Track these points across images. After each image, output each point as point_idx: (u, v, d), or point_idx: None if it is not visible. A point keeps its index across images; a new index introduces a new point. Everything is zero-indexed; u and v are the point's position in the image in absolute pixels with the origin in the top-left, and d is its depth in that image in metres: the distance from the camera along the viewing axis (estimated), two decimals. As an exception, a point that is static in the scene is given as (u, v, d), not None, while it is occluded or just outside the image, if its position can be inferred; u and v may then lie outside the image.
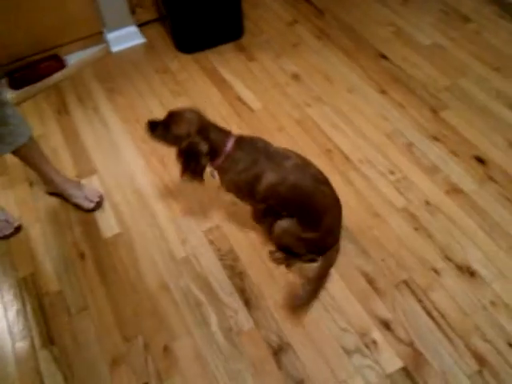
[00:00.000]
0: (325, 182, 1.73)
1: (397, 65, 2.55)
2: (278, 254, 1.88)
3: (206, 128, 1.66)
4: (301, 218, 1.71)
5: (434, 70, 2.51)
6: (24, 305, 1.85)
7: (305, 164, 1.71)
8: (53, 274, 1.92)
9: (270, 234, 1.87)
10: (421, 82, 2.45)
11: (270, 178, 1.65)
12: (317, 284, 1.76)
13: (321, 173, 1.73)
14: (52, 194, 2.16)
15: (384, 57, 2.61)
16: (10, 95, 2.63)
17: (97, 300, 1.83)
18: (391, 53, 2.62)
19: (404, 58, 2.59)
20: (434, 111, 2.32)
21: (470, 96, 2.36)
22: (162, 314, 1.77)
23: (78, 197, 2.10)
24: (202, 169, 1.70)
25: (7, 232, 2.05)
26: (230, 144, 1.67)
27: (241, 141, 1.69)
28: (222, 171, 1.73)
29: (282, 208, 1.73)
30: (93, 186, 2.19)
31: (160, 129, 1.68)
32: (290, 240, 1.78)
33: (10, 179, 2.25)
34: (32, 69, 2.69)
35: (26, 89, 2.65)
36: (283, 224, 1.75)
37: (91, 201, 2.11)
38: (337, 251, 1.83)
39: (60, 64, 2.73)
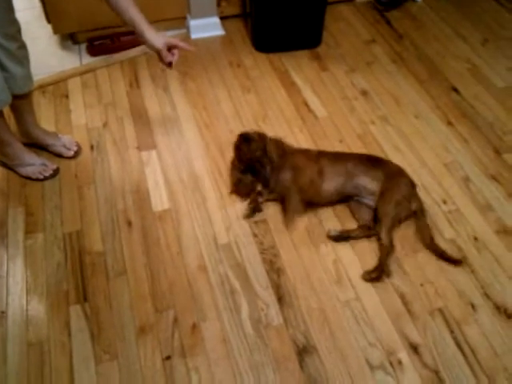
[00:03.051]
0: None
1: (467, 101, 2.55)
2: (373, 275, 1.86)
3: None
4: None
5: (503, 113, 2.49)
6: (65, 259, 1.92)
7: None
8: (98, 236, 1.98)
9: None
10: (488, 122, 2.44)
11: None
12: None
13: None
14: (27, 144, 2.23)
15: (456, 90, 2.60)
16: (87, 61, 2.74)
17: (136, 268, 1.88)
18: (463, 88, 2.62)
19: (475, 95, 2.58)
20: (497, 152, 2.30)
21: (536, 144, 2.34)
22: (195, 294, 1.81)
23: (57, 145, 2.25)
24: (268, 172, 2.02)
25: (47, 174, 2.17)
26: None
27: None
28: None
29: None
30: (69, 136, 2.32)
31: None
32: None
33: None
34: (112, 40, 2.79)
35: (103, 57, 2.75)
36: None
37: (69, 149, 2.26)
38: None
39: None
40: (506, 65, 2.77)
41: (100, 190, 2.13)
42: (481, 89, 2.62)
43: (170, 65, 1.99)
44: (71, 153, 2.26)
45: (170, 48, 1.95)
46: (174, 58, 1.98)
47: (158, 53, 1.94)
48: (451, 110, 2.50)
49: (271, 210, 2.06)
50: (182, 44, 1.97)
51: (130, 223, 2.02)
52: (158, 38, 1.91)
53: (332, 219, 2.03)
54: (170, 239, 1.97)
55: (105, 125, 2.40)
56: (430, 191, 2.13)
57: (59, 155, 2.25)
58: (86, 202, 2.10)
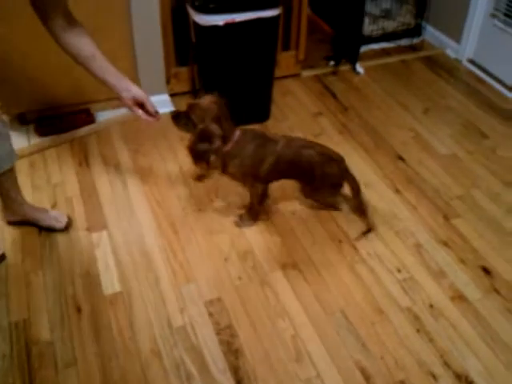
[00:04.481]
0: (311, 146, 2.17)
1: (413, 168, 2.63)
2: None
3: (220, 117, 2.00)
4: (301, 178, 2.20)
5: (448, 178, 2.57)
6: (11, 350, 1.81)
7: (290, 142, 2.15)
8: (46, 324, 1.89)
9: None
10: (434, 188, 2.51)
11: (269, 160, 2.08)
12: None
13: (307, 141, 2.24)
14: (12, 223, 2.21)
15: (401, 158, 2.69)
16: (35, 141, 2.71)
17: (86, 357, 1.79)
18: (408, 156, 2.70)
19: (420, 162, 2.66)
20: (446, 217, 2.35)
21: (481, 208, 2.41)
22: (150, 382, 1.73)
23: (47, 219, 2.21)
24: (216, 150, 2.01)
25: None
26: (237, 134, 2.06)
27: (245, 132, 2.11)
28: (228, 157, 2.07)
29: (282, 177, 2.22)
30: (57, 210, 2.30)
31: (182, 118, 2.04)
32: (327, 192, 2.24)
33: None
34: (61, 119, 2.78)
35: (52, 137, 2.73)
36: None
37: (60, 221, 2.22)
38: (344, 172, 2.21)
39: (89, 119, 2.82)
40: (448, 132, 2.90)
41: (48, 276, 2.05)
42: (425, 156, 2.71)
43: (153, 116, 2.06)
44: (62, 225, 2.21)
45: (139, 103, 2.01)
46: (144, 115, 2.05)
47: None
48: (398, 177, 2.57)
49: (227, 288, 2.02)
50: (145, 113, 2.05)
51: (79, 309, 1.94)
52: (125, 91, 1.97)
53: (288, 291, 2.01)
54: (121, 324, 1.89)
55: (53, 206, 2.34)
56: (383, 260, 2.15)
57: (51, 229, 2.21)
58: (33, 288, 2.01)
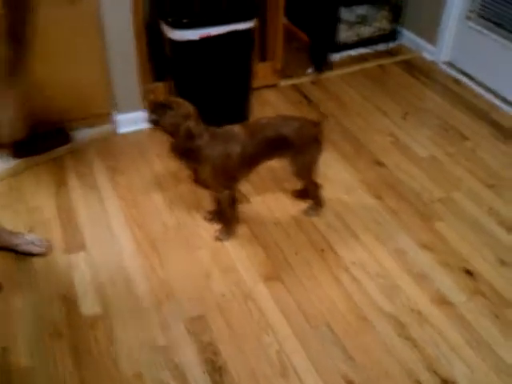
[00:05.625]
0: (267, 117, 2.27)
1: (393, 173, 2.62)
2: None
3: (197, 116, 2.04)
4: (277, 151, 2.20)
5: (428, 181, 2.56)
6: (-10, 380, 1.78)
7: (247, 125, 2.23)
8: (26, 350, 1.85)
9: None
10: (415, 191, 2.50)
11: (236, 150, 2.08)
12: None
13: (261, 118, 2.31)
14: None
15: (381, 164, 2.68)
16: (10, 163, 2.66)
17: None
18: (388, 161, 2.70)
19: (400, 167, 2.66)
20: (427, 220, 2.34)
21: (462, 210, 2.40)
22: (133, 405, 1.70)
23: (24, 244, 2.17)
24: (198, 148, 2.03)
25: None
26: (206, 135, 2.05)
27: (213, 134, 2.08)
28: (201, 160, 2.07)
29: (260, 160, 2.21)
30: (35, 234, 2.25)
31: (160, 107, 2.03)
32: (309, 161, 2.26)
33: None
34: (36, 140, 2.74)
35: (28, 159, 2.69)
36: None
37: (39, 246, 2.18)
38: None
39: (65, 139, 2.77)
40: (427, 135, 2.90)
41: (26, 300, 2.01)
42: (405, 160, 2.71)
43: None
44: (40, 250, 2.18)
45: None
46: None
47: None
48: (379, 183, 2.56)
49: (208, 305, 2.00)
50: None
51: (59, 333, 1.90)
52: None
53: (272, 305, 1.99)
54: (102, 347, 1.85)
55: (31, 230, 2.29)
56: (365, 266, 2.13)
57: (29, 254, 2.17)
58: (10, 313, 1.97)
